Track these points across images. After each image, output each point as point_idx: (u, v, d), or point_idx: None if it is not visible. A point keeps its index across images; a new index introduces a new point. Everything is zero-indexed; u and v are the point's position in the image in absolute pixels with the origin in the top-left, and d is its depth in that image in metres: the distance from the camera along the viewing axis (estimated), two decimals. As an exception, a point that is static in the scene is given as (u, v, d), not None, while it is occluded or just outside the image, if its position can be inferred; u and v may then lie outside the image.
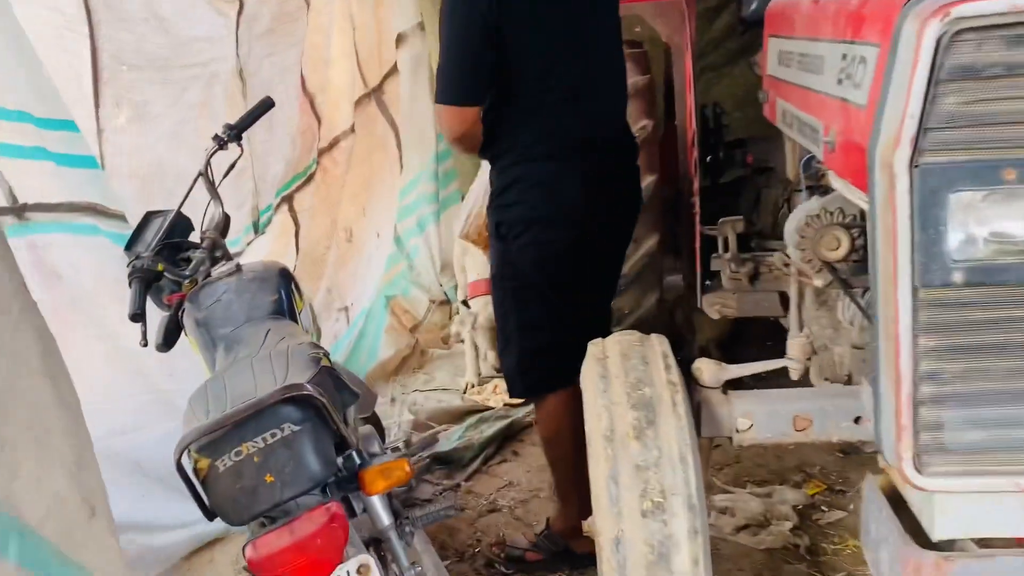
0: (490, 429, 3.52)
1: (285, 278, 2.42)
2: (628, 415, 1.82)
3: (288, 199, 3.76)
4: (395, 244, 4.79)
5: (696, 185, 3.21)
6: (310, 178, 3.90)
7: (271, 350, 2.01)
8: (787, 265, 3.02)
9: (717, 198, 3.54)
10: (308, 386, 1.71)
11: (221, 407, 1.81)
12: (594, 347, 2.07)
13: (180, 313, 2.37)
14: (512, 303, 2.52)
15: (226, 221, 2.51)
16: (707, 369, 2.07)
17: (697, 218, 3.12)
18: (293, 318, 2.39)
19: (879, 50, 1.63)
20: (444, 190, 5.01)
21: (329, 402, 1.73)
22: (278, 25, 3.43)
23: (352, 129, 4.09)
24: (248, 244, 3.44)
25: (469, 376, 4.04)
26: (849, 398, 2.00)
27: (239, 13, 3.18)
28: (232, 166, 2.63)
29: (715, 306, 3.14)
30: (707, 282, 3.19)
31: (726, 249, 3.02)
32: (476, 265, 3.84)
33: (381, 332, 4.40)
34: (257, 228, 3.48)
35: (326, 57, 3.87)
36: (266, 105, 2.69)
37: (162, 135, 2.93)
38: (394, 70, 4.45)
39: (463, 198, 5.41)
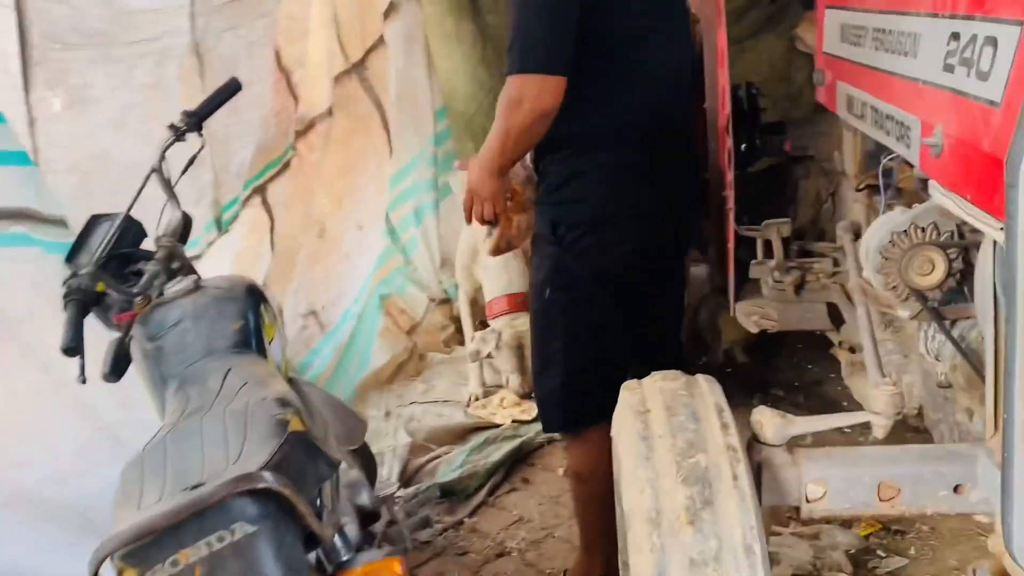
0: (497, 452, 3.16)
1: (253, 298, 2.08)
2: (679, 493, 1.47)
3: (261, 190, 3.36)
4: (389, 236, 4.38)
5: (729, 177, 2.82)
6: (286, 165, 3.49)
7: (227, 406, 1.64)
8: (835, 273, 2.66)
9: (745, 188, 3.17)
10: (267, 476, 1.33)
11: (158, 488, 1.44)
12: (630, 395, 1.70)
13: (130, 337, 2.02)
14: (561, 316, 2.21)
15: (186, 225, 2.19)
16: (769, 423, 1.69)
17: (731, 216, 2.74)
18: (261, 349, 2.05)
19: (1021, 30, 1.24)
20: (444, 175, 4.59)
21: (295, 491, 1.35)
22: None
23: (330, 111, 3.66)
24: (209, 245, 3.05)
25: (472, 387, 3.67)
26: (949, 461, 1.63)
27: (193, -20, 2.77)
28: (192, 160, 2.31)
29: (753, 317, 2.77)
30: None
31: (768, 254, 2.64)
32: (497, 279, 3.48)
33: (374, 336, 4.02)
34: (220, 225, 3.08)
35: (304, 28, 3.44)
36: (231, 88, 2.35)
37: (105, 123, 2.54)
38: (380, 43, 4.03)
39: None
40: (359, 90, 3.99)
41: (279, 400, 1.61)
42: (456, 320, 4.38)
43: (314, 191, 3.67)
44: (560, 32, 2.00)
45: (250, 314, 2.04)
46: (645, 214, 2.17)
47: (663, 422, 1.59)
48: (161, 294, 2.04)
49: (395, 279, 4.39)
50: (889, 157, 1.91)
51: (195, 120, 2.23)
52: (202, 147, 2.27)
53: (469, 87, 4.81)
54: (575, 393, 2.21)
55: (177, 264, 2.10)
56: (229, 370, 1.88)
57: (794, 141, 3.15)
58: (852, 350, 2.69)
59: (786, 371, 3.71)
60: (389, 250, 4.42)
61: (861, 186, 2.45)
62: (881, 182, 1.94)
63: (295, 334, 3.65)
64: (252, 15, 3.04)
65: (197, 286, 2.06)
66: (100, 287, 2.00)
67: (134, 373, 2.05)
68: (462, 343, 4.27)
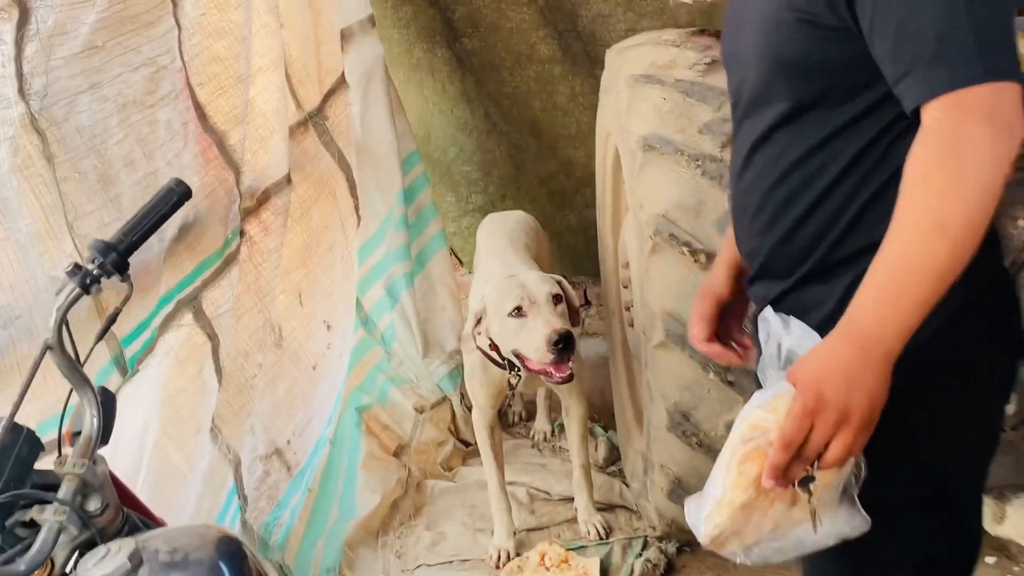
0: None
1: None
2: None
3: (191, 303, 2.46)
4: (363, 326, 3.51)
5: None
6: (228, 261, 2.59)
7: None
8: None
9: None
10: None
11: None
12: None
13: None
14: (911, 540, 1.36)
15: (107, 421, 1.44)
16: None
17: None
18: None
19: None
20: (418, 238, 3.74)
21: None
22: (117, 33, 2.16)
23: (288, 179, 2.80)
24: None
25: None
26: None
27: (20, 26, 1.86)
28: (112, 319, 1.53)
29: None
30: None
31: None
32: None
33: (356, 469, 3.13)
34: (125, 367, 2.20)
35: (241, 71, 2.57)
36: (172, 197, 1.60)
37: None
38: (341, 84, 3.18)
39: (459, 262, 4.24)
40: (317, 146, 3.14)
41: None
42: (456, 431, 3.52)
43: (272, 287, 2.78)
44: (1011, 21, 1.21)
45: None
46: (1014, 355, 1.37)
47: None
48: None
49: (374, 382, 3.52)
50: None
51: (116, 257, 1.45)
52: (127, 297, 1.44)
53: (447, 128, 4.01)
54: None
55: (97, 505, 1.31)
56: None
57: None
58: None
59: None
60: (364, 344, 3.56)
61: None
62: None
63: (254, 486, 2.76)
64: (132, 62, 2.17)
65: (138, 560, 1.20)
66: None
67: None
68: (466, 460, 3.42)
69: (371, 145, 3.56)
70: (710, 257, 2.20)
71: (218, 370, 2.57)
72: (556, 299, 2.54)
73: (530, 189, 4.12)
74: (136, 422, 2.31)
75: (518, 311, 2.52)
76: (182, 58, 2.38)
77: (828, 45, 1.23)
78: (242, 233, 2.65)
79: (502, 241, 3.10)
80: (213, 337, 2.55)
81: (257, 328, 2.75)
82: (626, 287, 2.97)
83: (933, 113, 1.10)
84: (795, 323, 1.34)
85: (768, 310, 1.41)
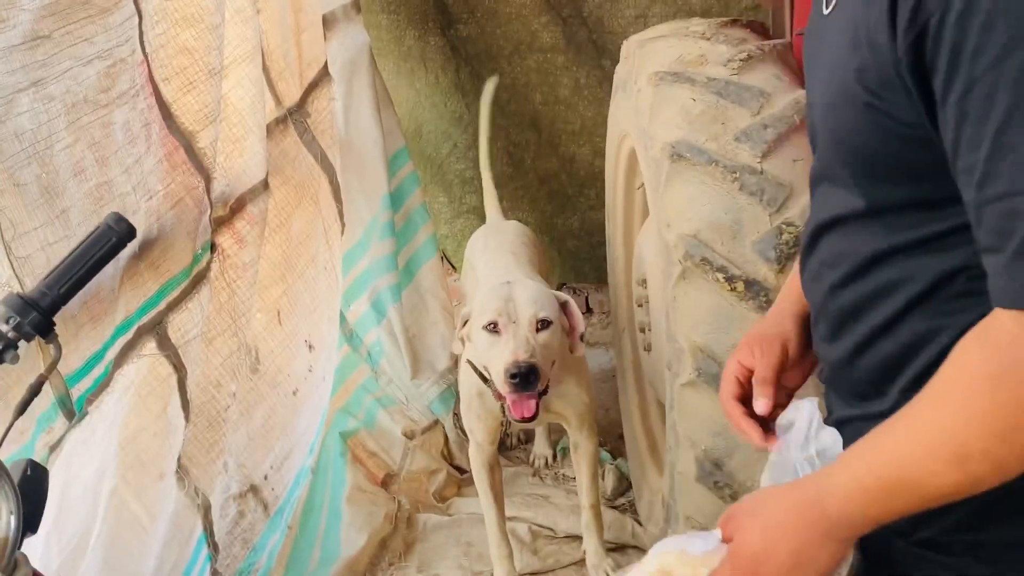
0: None
1: None
2: None
3: (154, 329, 2.19)
4: (347, 342, 3.25)
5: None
6: (198, 279, 2.33)
7: None
8: None
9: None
10: None
11: None
12: None
13: None
14: None
15: (36, 503, 1.21)
16: None
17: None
18: None
19: None
20: (407, 245, 3.47)
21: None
22: (66, 21, 1.89)
23: (265, 184, 2.53)
24: (53, 447, 1.89)
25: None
26: None
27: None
28: (36, 390, 1.35)
29: None
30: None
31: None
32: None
33: (341, 506, 2.88)
34: (72, 410, 1.94)
35: (212, 64, 2.29)
36: (112, 235, 1.50)
37: None
38: (323, 76, 2.91)
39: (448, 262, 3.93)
40: (298, 146, 2.87)
41: None
42: (450, 457, 3.27)
43: (248, 306, 2.52)
44: None
45: None
46: None
47: None
48: None
49: (361, 403, 3.26)
50: None
51: (37, 316, 1.25)
52: (55, 361, 1.20)
53: (440, 123, 3.75)
54: None
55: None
56: None
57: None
58: None
59: None
60: (349, 361, 3.30)
61: None
62: None
63: (227, 530, 2.50)
64: (84, 55, 1.90)
65: None
66: None
67: None
68: (461, 489, 3.17)
69: (354, 143, 3.30)
70: (749, 285, 1.95)
71: (185, 404, 2.31)
72: (542, 324, 2.27)
73: (529, 189, 3.86)
74: (90, 470, 2.04)
75: (493, 327, 2.26)
76: (144, 50, 2.11)
77: (907, 145, 0.95)
78: (213, 247, 2.38)
79: (506, 258, 2.83)
80: (180, 368, 2.29)
81: (231, 353, 2.49)
82: (640, 306, 2.72)
83: (1007, 320, 0.85)
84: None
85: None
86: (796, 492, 1.00)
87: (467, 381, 2.55)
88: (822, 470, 1.01)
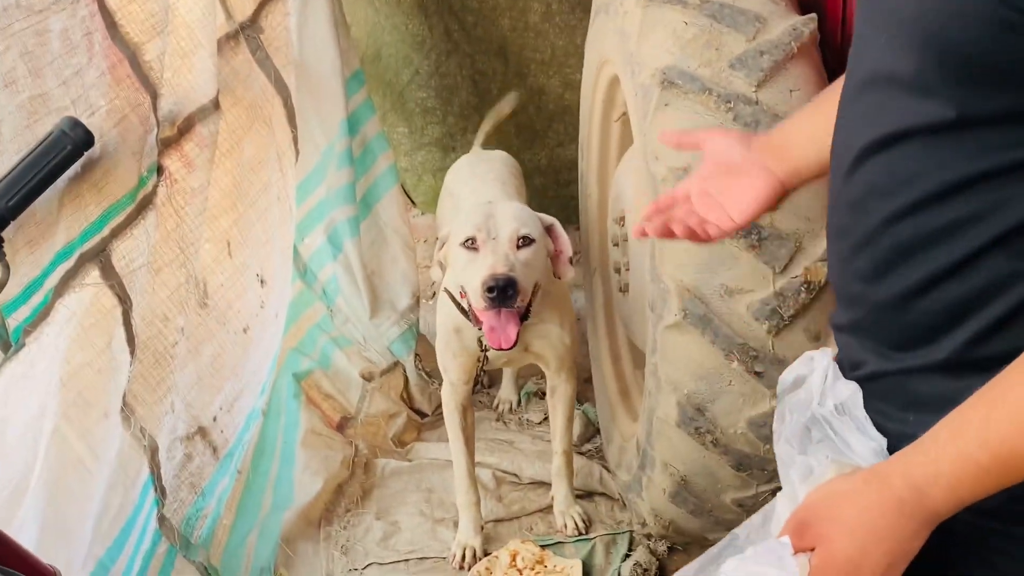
0: None
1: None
2: None
3: (98, 256, 2.08)
4: (301, 278, 3.15)
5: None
6: (143, 204, 2.21)
7: None
8: None
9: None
10: None
11: None
12: None
13: None
14: None
15: None
16: None
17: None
18: None
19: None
20: (365, 176, 3.36)
21: None
22: None
23: (216, 103, 2.41)
24: None
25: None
26: None
27: None
28: None
29: None
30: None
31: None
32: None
33: (295, 450, 2.80)
34: (8, 342, 1.84)
35: (157, -31, 2.15)
36: (67, 142, 1.43)
37: None
38: (280, -12, 2.77)
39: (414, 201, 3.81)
40: (250, 64, 2.73)
41: None
42: (410, 400, 3.20)
43: (197, 236, 2.40)
44: None
45: None
46: None
47: None
48: None
49: (315, 342, 3.17)
50: None
51: None
52: (3, 283, 1.10)
53: (401, 47, 3.63)
54: None
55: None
56: None
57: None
58: None
59: None
60: (303, 298, 3.20)
61: None
62: None
63: (174, 473, 2.41)
64: None
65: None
66: None
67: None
68: (421, 434, 3.12)
69: (310, 64, 3.16)
70: (741, 223, 1.88)
71: (130, 339, 2.20)
72: (524, 241, 2.20)
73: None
74: (29, 407, 1.94)
75: (471, 242, 2.19)
76: (84, -52, 1.97)
77: None
78: (160, 170, 2.26)
79: (494, 186, 2.75)
80: (124, 299, 2.17)
81: (178, 285, 2.37)
82: (616, 245, 2.65)
83: None
84: (863, 434, 1.03)
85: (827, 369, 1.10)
86: (878, 487, 0.91)
87: (444, 314, 2.47)
88: (904, 455, 0.92)
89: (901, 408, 1.00)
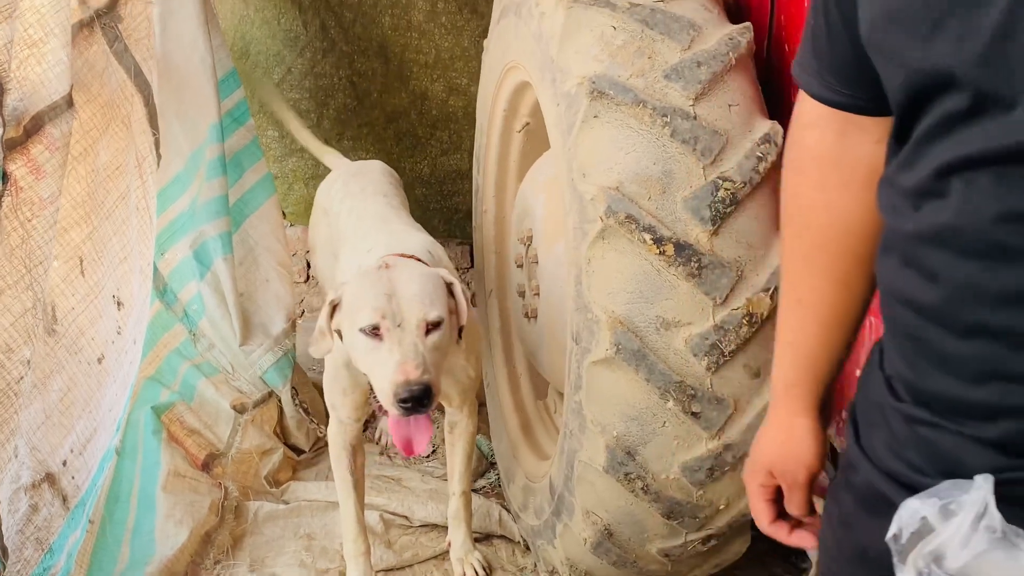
0: None
1: None
2: None
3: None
4: (159, 298, 2.87)
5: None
6: (-17, 217, 1.93)
7: None
8: None
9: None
10: None
11: None
12: None
13: None
14: None
15: None
16: None
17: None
18: None
19: None
20: (234, 186, 3.10)
21: None
22: None
23: (69, 100, 2.14)
24: None
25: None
26: None
27: None
28: None
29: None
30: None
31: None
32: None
33: (155, 494, 2.53)
34: None
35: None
36: None
37: None
38: (142, -28, 2.52)
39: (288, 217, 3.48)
40: (107, 57, 2.47)
41: None
42: (285, 435, 2.97)
43: (45, 253, 2.12)
44: None
45: None
46: None
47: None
48: None
49: (175, 370, 2.91)
50: None
51: None
52: None
53: (272, 43, 3.42)
54: None
55: None
56: None
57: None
58: None
59: None
60: (161, 320, 2.92)
61: None
62: None
63: (17, 528, 2.12)
64: None
65: None
66: None
67: None
68: (297, 473, 2.90)
69: (174, 59, 2.90)
70: (679, 248, 1.78)
71: (-37, 377, 1.91)
72: (432, 326, 1.95)
73: (375, 127, 3.56)
74: None
75: (374, 329, 1.95)
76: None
77: None
78: (4, 177, 2.00)
79: (377, 201, 2.54)
80: (-41, 328, 1.89)
81: (24, 311, 2.10)
82: (520, 267, 2.51)
83: None
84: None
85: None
86: None
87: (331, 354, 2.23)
88: None
89: None
